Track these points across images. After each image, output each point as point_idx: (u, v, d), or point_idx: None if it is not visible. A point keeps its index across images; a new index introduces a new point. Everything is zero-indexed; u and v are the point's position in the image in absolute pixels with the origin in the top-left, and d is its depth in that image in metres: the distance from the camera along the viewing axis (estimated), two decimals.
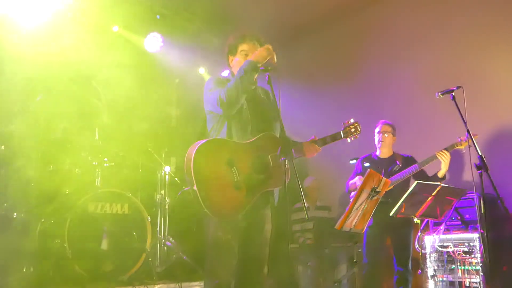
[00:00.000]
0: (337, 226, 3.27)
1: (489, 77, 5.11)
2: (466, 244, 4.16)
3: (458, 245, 4.19)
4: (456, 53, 5.40)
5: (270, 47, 2.93)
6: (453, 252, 4.18)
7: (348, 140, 3.23)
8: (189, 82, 6.49)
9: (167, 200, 5.40)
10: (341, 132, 3.20)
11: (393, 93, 5.83)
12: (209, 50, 6.26)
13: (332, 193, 6.07)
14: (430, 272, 4.30)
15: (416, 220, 4.08)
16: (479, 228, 4.14)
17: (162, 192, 5.43)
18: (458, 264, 4.15)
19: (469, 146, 3.52)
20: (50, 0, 5.02)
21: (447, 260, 4.23)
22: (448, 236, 4.26)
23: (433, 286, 4.25)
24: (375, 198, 3.29)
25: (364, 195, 3.26)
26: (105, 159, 4.81)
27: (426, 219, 4.33)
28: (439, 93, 3.66)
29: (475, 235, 4.13)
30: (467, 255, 4.12)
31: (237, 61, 3.09)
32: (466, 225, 4.37)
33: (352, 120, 3.26)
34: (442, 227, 4.33)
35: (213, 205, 2.71)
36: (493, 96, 5.05)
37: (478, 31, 5.26)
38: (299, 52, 6.79)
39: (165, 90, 6.36)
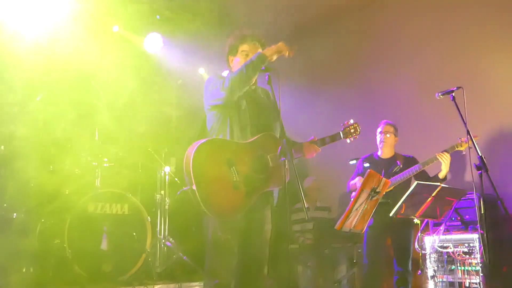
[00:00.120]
0: (337, 226, 3.27)
1: (489, 77, 5.11)
2: (466, 244, 4.15)
3: (458, 245, 4.19)
4: (457, 53, 5.40)
5: (283, 44, 2.92)
6: (453, 252, 4.18)
7: (348, 140, 3.24)
8: (189, 83, 6.49)
9: (167, 200, 5.40)
10: (341, 132, 3.21)
11: (393, 94, 5.83)
12: (209, 50, 6.25)
13: (332, 194, 6.07)
14: (430, 272, 4.30)
15: (416, 220, 4.08)
16: (479, 228, 4.13)
17: (162, 192, 5.43)
18: (458, 264, 4.14)
19: (469, 148, 3.52)
20: (50, 1, 5.01)
21: (447, 260, 4.23)
22: (448, 236, 4.26)
23: (433, 286, 4.25)
24: (375, 198, 3.29)
25: (364, 196, 3.26)
26: (105, 160, 4.81)
27: (426, 220, 4.32)
28: (439, 94, 3.66)
29: (475, 236, 4.13)
30: (467, 256, 4.12)
31: (238, 62, 3.09)
32: (466, 226, 4.37)
33: (351, 121, 3.26)
34: (442, 227, 4.33)
35: (212, 205, 2.71)
36: (494, 97, 5.05)
37: (479, 32, 5.26)
38: (299, 52, 6.76)
39: (165, 90, 6.35)
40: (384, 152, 4.64)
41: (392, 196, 4.15)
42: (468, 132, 3.44)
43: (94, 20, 5.43)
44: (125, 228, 4.51)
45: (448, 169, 4.20)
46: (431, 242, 4.33)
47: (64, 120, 4.74)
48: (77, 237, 4.18)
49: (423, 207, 3.88)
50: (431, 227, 4.49)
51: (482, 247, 4.03)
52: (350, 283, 4.97)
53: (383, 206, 4.07)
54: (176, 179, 5.52)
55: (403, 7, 5.97)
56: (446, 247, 4.23)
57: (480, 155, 3.29)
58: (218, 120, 2.99)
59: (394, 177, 4.33)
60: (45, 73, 4.72)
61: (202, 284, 4.33)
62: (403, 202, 3.80)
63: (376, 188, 3.24)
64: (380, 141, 4.63)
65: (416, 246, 4.30)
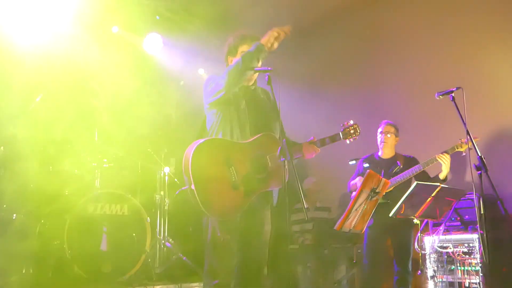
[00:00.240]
0: (336, 226, 3.27)
1: (489, 78, 5.11)
2: (466, 244, 4.15)
3: (458, 245, 4.18)
4: (456, 53, 5.40)
5: (274, 29, 2.91)
6: (452, 252, 4.18)
7: (347, 141, 3.23)
8: (189, 83, 6.49)
9: (167, 201, 5.39)
10: (340, 133, 3.21)
11: (393, 94, 5.82)
12: (209, 51, 6.25)
13: (332, 194, 6.06)
14: (429, 272, 4.29)
15: (415, 220, 4.08)
16: (478, 228, 4.13)
17: (162, 193, 5.43)
18: (458, 264, 4.14)
19: (469, 149, 3.52)
20: (49, 1, 5.01)
21: (446, 260, 4.22)
22: (448, 236, 4.26)
23: (432, 286, 4.24)
24: (374, 198, 3.29)
25: (363, 196, 3.26)
26: (105, 160, 4.81)
27: (426, 220, 4.32)
28: (439, 94, 3.65)
29: (475, 236, 4.13)
30: (467, 256, 4.12)
31: None
32: (466, 226, 4.37)
33: (351, 122, 3.26)
34: (441, 227, 4.32)
35: (210, 204, 2.71)
36: (493, 97, 5.05)
37: (478, 32, 5.26)
38: (299, 53, 6.78)
39: (165, 91, 6.35)
40: (385, 152, 4.63)
41: (392, 197, 4.15)
42: (467, 132, 3.44)
43: (94, 21, 5.43)
44: (125, 228, 4.50)
45: (448, 170, 4.20)
46: (431, 242, 4.33)
47: (64, 121, 4.74)
48: (77, 238, 4.18)
49: (422, 207, 3.88)
50: (431, 227, 4.49)
51: (481, 247, 4.03)
52: (350, 283, 4.97)
53: (383, 206, 4.08)
54: (175, 179, 5.52)
55: (403, 7, 5.96)
56: (446, 247, 4.23)
57: (480, 155, 3.29)
58: (218, 120, 3.00)
59: (394, 178, 4.33)
60: (44, 74, 4.72)
61: (202, 284, 4.32)
62: (402, 202, 3.80)
63: (376, 188, 3.24)
64: (381, 141, 4.63)
65: (416, 246, 4.30)
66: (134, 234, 4.55)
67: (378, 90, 6.01)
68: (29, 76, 4.58)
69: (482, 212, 3.56)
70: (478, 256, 4.06)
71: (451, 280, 4.17)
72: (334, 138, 3.18)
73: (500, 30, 5.11)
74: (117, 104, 5.32)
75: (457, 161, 4.65)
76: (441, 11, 5.60)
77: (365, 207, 3.29)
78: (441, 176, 4.23)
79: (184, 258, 5.00)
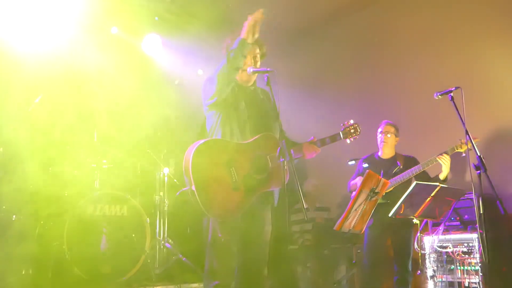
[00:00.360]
0: (336, 227, 3.27)
1: (488, 77, 5.12)
2: (465, 244, 4.15)
3: (457, 245, 4.19)
4: (455, 53, 5.41)
5: (249, 20, 2.90)
6: (452, 252, 4.18)
7: (348, 141, 3.24)
8: (188, 84, 6.49)
9: (166, 201, 5.39)
10: (341, 133, 3.21)
11: (392, 94, 5.83)
12: (208, 51, 6.25)
13: (332, 194, 6.07)
14: (429, 272, 4.29)
15: (415, 220, 4.08)
16: (478, 228, 4.14)
17: (161, 193, 5.43)
18: (458, 264, 4.14)
19: (469, 150, 3.52)
20: (49, 2, 5.01)
21: (446, 260, 4.23)
22: (447, 236, 4.26)
23: (432, 286, 4.25)
24: (373, 199, 3.30)
25: (363, 196, 3.26)
26: (104, 161, 4.81)
27: (425, 220, 4.33)
28: (438, 94, 3.66)
29: (474, 236, 4.13)
30: (466, 256, 4.12)
31: None
32: (465, 226, 4.37)
33: (351, 121, 3.27)
34: (441, 227, 4.33)
35: (211, 205, 2.71)
36: (492, 97, 5.05)
37: (477, 32, 5.26)
38: (299, 53, 6.79)
39: (164, 92, 6.35)
40: (385, 152, 4.63)
41: (392, 197, 4.15)
42: (466, 132, 3.44)
43: (93, 22, 5.43)
44: (124, 229, 4.50)
45: (448, 170, 4.21)
46: (430, 242, 4.33)
47: (63, 122, 4.74)
48: (76, 239, 4.18)
49: (422, 207, 3.89)
50: (430, 227, 4.49)
51: (481, 247, 4.03)
52: (350, 283, 4.97)
53: (383, 206, 4.08)
54: (175, 180, 5.51)
55: (402, 8, 5.97)
56: (445, 247, 4.23)
57: (479, 155, 3.29)
58: (217, 120, 3.00)
59: (394, 178, 4.34)
60: (43, 75, 4.71)
61: (202, 285, 4.33)
62: (402, 202, 3.80)
63: (375, 188, 3.25)
64: (381, 141, 4.63)
65: (416, 246, 4.30)
66: (133, 235, 4.55)
67: (377, 90, 6.01)
68: (28, 77, 4.58)
69: (481, 212, 3.56)
70: (477, 255, 4.06)
71: (450, 279, 4.18)
72: (334, 138, 3.18)
73: (499, 30, 5.12)
74: (116, 105, 5.32)
75: (457, 161, 4.65)
76: (440, 11, 5.61)
77: (365, 207, 3.29)
78: (441, 176, 4.24)
79: (183, 258, 5.00)
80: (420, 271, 4.28)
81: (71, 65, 5.05)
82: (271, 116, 3.07)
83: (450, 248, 4.20)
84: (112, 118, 5.17)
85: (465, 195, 4.36)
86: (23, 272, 4.06)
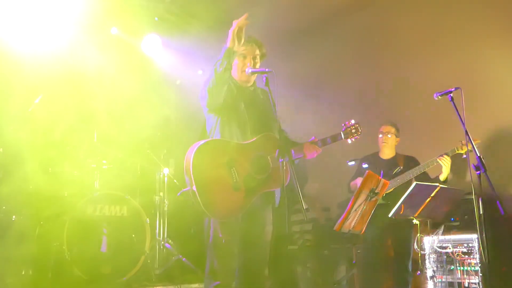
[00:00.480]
0: (336, 227, 3.27)
1: (488, 78, 5.11)
2: (465, 245, 4.15)
3: (457, 246, 4.18)
4: (455, 54, 5.40)
5: (234, 27, 2.84)
6: (452, 253, 4.18)
7: (349, 141, 3.24)
8: (188, 84, 6.49)
9: (166, 202, 5.39)
10: (342, 133, 3.21)
11: (393, 94, 5.83)
12: (208, 52, 6.25)
13: (332, 195, 6.06)
14: (429, 273, 4.29)
15: (415, 221, 4.09)
16: (477, 229, 4.13)
17: (161, 194, 5.43)
18: (457, 265, 4.14)
19: (469, 151, 3.52)
20: (48, 3, 5.01)
21: (446, 261, 4.22)
22: (447, 237, 4.26)
23: (432, 287, 4.25)
24: (373, 199, 3.30)
25: (362, 196, 3.26)
26: (104, 161, 4.81)
27: (425, 220, 4.33)
28: (438, 94, 3.65)
29: (474, 236, 4.13)
30: (466, 256, 4.12)
31: (235, 64, 3.08)
32: (465, 226, 4.37)
33: (353, 121, 3.27)
34: (441, 228, 4.33)
35: (211, 205, 2.71)
36: (492, 97, 5.05)
37: (477, 32, 5.26)
38: (300, 53, 6.79)
39: (164, 92, 6.35)
40: (385, 152, 4.63)
41: (392, 198, 4.15)
42: (466, 133, 3.44)
43: (92, 22, 5.43)
44: (124, 230, 4.50)
45: (449, 171, 4.21)
46: (430, 243, 4.33)
47: (63, 122, 4.74)
48: (76, 239, 4.18)
49: (422, 208, 3.89)
50: (430, 227, 4.49)
51: (481, 247, 4.03)
52: (350, 284, 4.96)
53: (383, 207, 4.08)
54: (175, 180, 5.51)
55: (402, 8, 5.97)
56: (445, 248, 4.23)
57: (479, 155, 3.29)
58: (217, 121, 3.00)
59: (394, 179, 4.33)
60: (43, 76, 4.71)
61: (202, 285, 4.33)
62: (402, 202, 3.80)
63: (375, 189, 3.25)
64: (381, 142, 4.63)
65: (415, 246, 4.30)
66: (133, 235, 4.55)
67: (377, 90, 6.01)
68: (28, 78, 4.58)
69: (481, 212, 3.56)
70: (477, 256, 4.06)
71: (450, 280, 4.18)
72: (335, 138, 3.19)
73: (499, 30, 5.11)
74: (116, 105, 5.32)
75: (457, 161, 4.65)
76: (440, 11, 5.61)
77: (364, 207, 3.30)
78: (442, 177, 4.24)
79: (183, 259, 5.00)
80: (420, 272, 4.28)
81: (71, 66, 5.05)
82: (271, 116, 3.07)
83: (450, 248, 4.20)
84: (112, 119, 5.17)
85: (465, 195, 4.36)
86: (23, 273, 4.06)
